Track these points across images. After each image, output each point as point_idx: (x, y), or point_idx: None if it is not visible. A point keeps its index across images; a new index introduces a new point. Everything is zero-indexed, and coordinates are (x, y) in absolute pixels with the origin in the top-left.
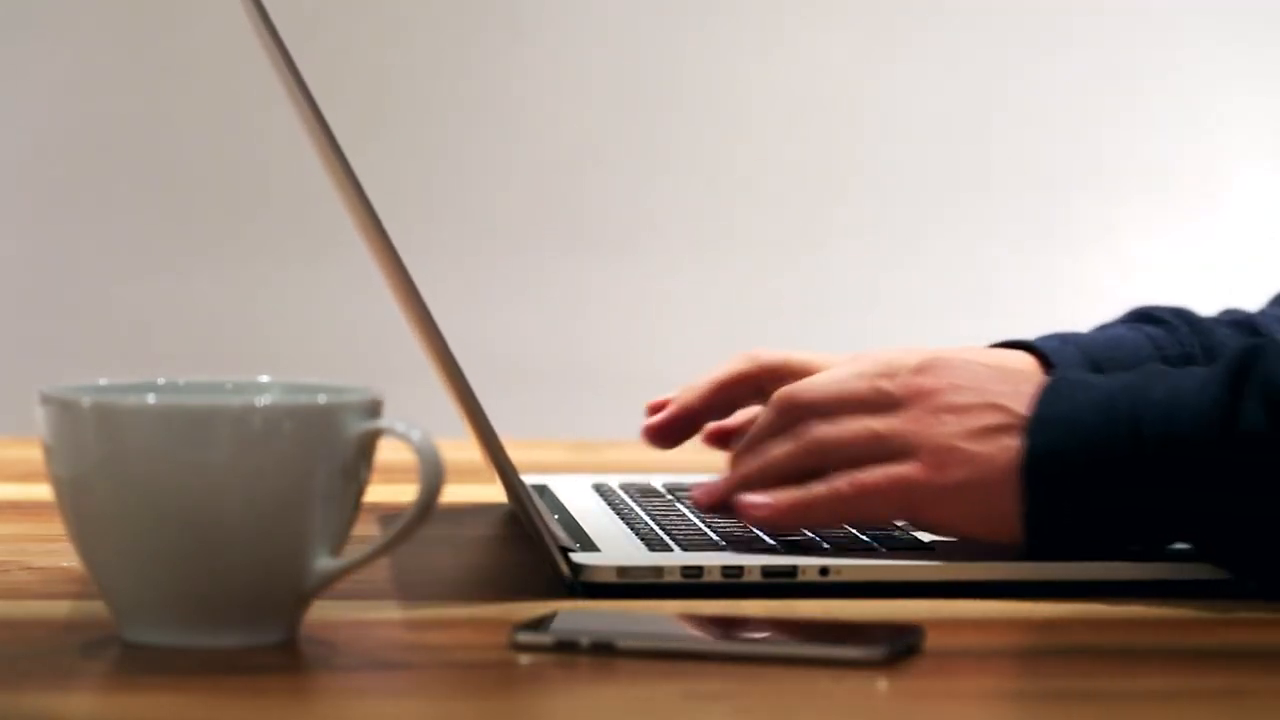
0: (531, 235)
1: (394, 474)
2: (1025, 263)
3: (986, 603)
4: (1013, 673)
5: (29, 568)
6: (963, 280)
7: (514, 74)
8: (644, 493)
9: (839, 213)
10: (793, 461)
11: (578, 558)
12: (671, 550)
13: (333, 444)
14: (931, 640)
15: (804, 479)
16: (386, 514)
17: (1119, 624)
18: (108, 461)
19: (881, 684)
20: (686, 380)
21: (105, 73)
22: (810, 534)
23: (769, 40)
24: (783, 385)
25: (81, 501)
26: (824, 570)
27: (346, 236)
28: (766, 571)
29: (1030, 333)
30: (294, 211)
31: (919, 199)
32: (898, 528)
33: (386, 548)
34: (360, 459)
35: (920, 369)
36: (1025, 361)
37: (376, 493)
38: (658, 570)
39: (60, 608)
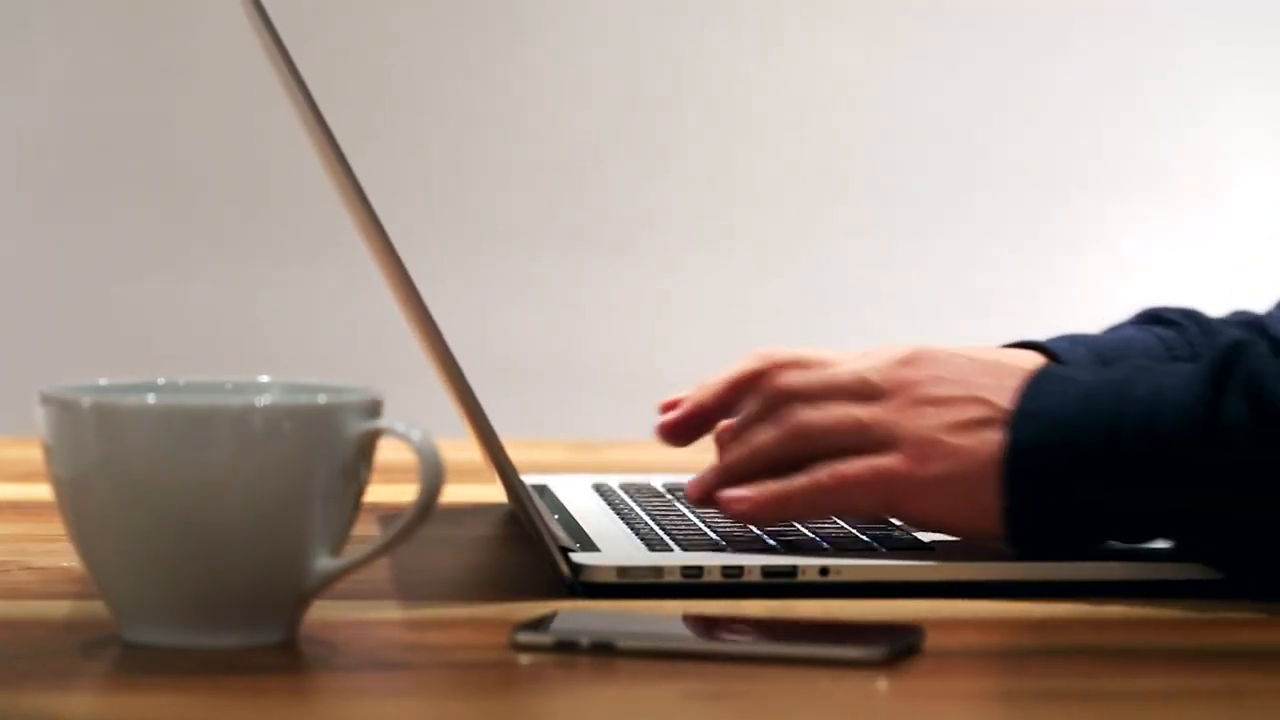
0: (531, 235)
1: (394, 474)
2: (1025, 263)
3: (986, 603)
4: (1012, 673)
5: (29, 568)
6: (963, 280)
7: (514, 74)
8: (644, 493)
9: (839, 213)
10: (777, 446)
11: (578, 558)
12: (671, 550)
13: (333, 444)
14: (931, 640)
15: (789, 466)
16: (386, 514)
17: (1119, 624)
18: (108, 461)
19: (881, 684)
20: (686, 380)
21: (105, 73)
22: (810, 534)
23: (769, 40)
24: None
25: (81, 501)
26: (824, 570)
27: (346, 236)
28: (766, 571)
29: (1029, 333)
30: (294, 211)
31: (919, 199)
32: (896, 527)
33: (386, 548)
34: (360, 459)
35: (904, 360)
36: (1035, 361)
37: (376, 493)
38: (658, 570)
39: (60, 608)
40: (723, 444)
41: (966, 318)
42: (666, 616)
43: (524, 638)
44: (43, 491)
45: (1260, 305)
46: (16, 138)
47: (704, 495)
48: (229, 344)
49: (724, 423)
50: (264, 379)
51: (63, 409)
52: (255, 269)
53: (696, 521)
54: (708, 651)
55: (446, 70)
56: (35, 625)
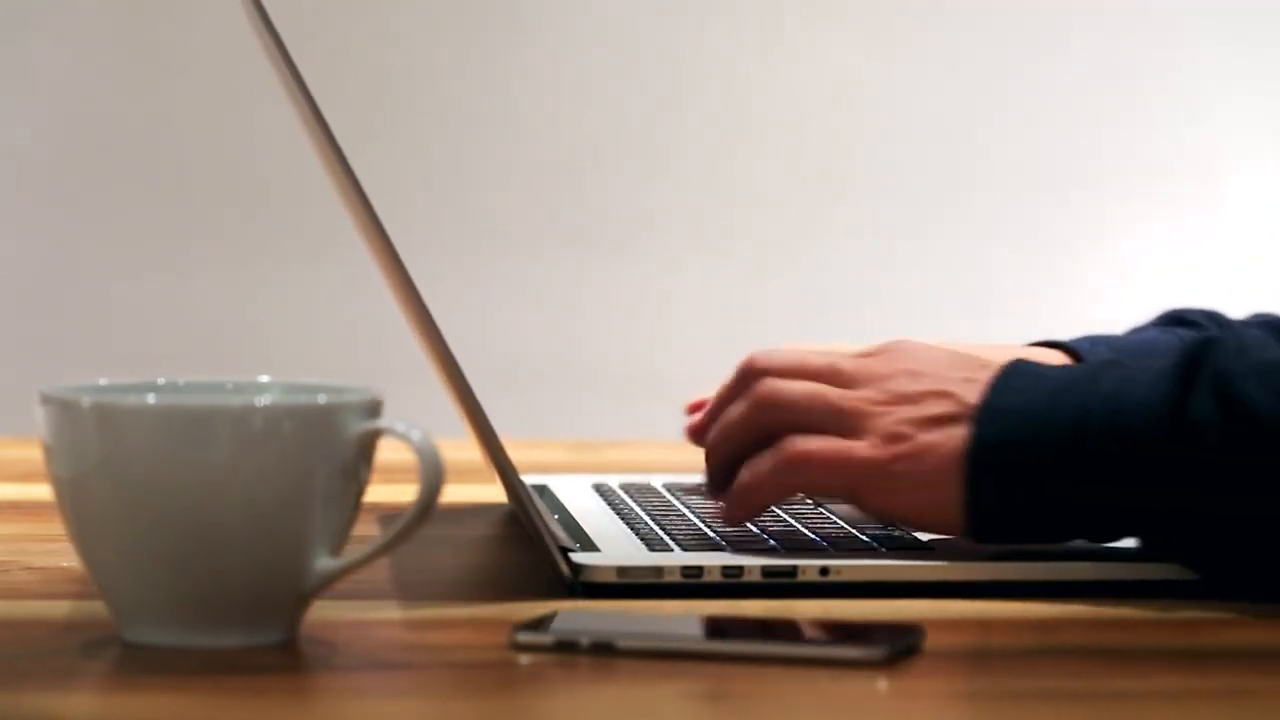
0: (531, 235)
1: (394, 474)
2: (1025, 263)
3: (986, 603)
4: (1012, 673)
5: (29, 568)
6: (963, 280)
7: (514, 74)
8: (644, 493)
9: (839, 213)
10: (743, 419)
11: (578, 558)
12: (671, 550)
13: (333, 444)
14: (931, 640)
15: (761, 444)
16: (386, 514)
17: (1119, 624)
18: (108, 461)
19: (881, 684)
20: (686, 380)
21: (105, 73)
22: (810, 533)
23: (769, 40)
24: None
25: (81, 501)
26: (824, 570)
27: (346, 236)
28: (766, 571)
29: (1029, 333)
30: (294, 211)
31: (919, 199)
32: (896, 526)
33: (386, 548)
34: (360, 459)
35: (876, 353)
36: (1056, 360)
37: (376, 493)
38: (658, 570)
39: (60, 608)
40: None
41: (966, 318)
42: (666, 616)
43: (524, 638)
44: (43, 491)
45: (1260, 305)
46: (16, 138)
47: (711, 497)
48: (229, 344)
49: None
50: (264, 379)
51: (63, 409)
52: (255, 269)
53: (696, 521)
54: (708, 651)
55: (446, 70)
56: (35, 625)
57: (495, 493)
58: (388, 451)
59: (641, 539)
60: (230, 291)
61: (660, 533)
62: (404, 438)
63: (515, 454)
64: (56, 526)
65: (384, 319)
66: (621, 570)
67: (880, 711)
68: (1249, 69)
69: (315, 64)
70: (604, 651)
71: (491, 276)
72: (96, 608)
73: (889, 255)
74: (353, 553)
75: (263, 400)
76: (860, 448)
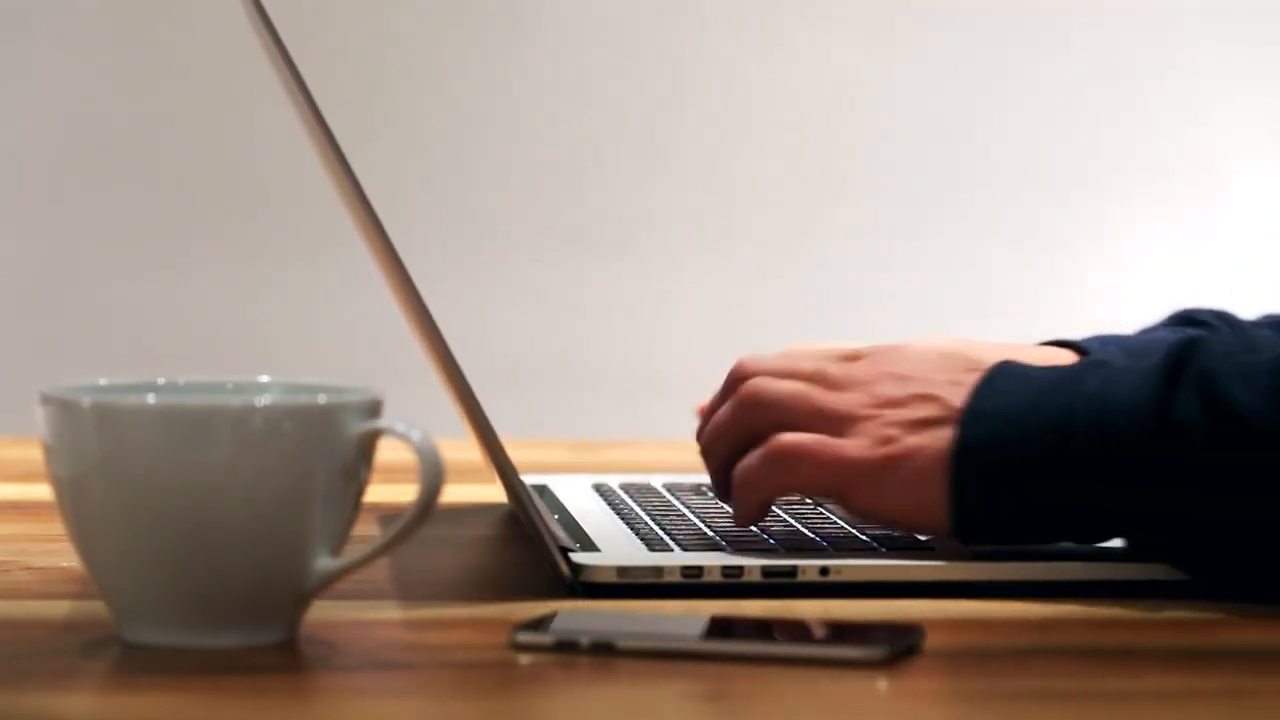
0: (531, 235)
1: (394, 474)
2: (1025, 263)
3: (986, 603)
4: (1012, 672)
5: (29, 568)
6: (962, 280)
7: (514, 74)
8: (644, 493)
9: (839, 213)
10: (731, 419)
11: (578, 558)
12: (671, 550)
13: (333, 444)
14: (931, 640)
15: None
16: (386, 514)
17: (1119, 624)
18: (108, 461)
19: (881, 684)
20: (686, 380)
21: (105, 73)
22: (810, 533)
23: (769, 40)
24: None
25: (81, 501)
26: (824, 570)
27: (346, 236)
28: (766, 571)
29: (1029, 333)
30: (294, 211)
31: (919, 199)
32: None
33: (386, 548)
34: (360, 459)
35: (862, 356)
36: (1067, 359)
37: (376, 493)
38: (658, 570)
39: (60, 608)
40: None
41: (966, 318)
42: (666, 616)
43: (524, 638)
44: (43, 491)
45: (1260, 305)
46: (16, 138)
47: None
48: (229, 344)
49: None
50: (264, 379)
51: (63, 409)
52: (255, 269)
53: (696, 521)
54: (708, 651)
55: (446, 70)
56: (35, 625)
57: (495, 493)
58: (388, 451)
59: (641, 539)
60: (230, 291)
61: (660, 533)
62: (404, 438)
63: (515, 454)
64: (56, 526)
65: (384, 319)
66: (621, 570)
67: (880, 711)
68: (1249, 69)
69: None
70: (604, 651)
71: (491, 276)
72: (96, 608)
73: (889, 255)
74: (353, 553)
75: (263, 400)
76: (849, 446)
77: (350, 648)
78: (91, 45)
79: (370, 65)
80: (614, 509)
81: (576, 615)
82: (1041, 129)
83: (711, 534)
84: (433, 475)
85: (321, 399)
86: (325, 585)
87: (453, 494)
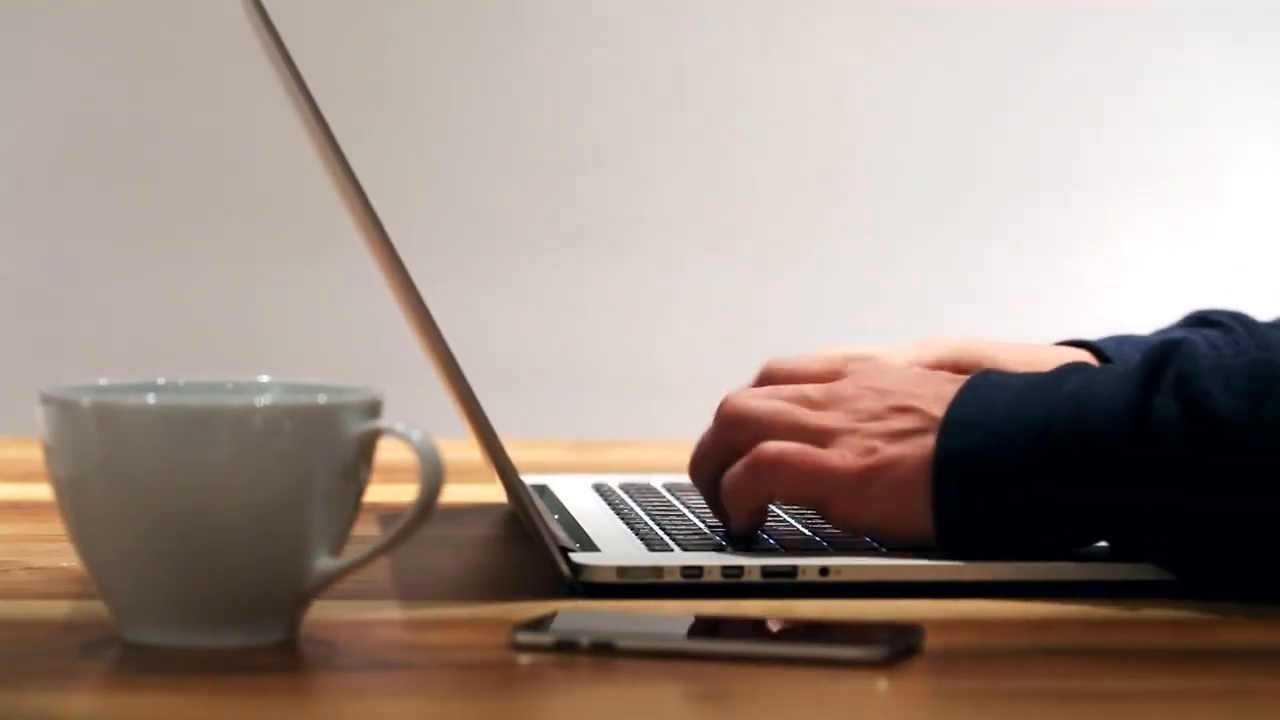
0: (531, 235)
1: (394, 474)
2: (1024, 262)
3: (986, 603)
4: (1013, 673)
5: (29, 568)
6: (962, 280)
7: (514, 74)
8: (644, 493)
9: (839, 213)
10: (715, 438)
11: (578, 558)
12: (671, 550)
13: (333, 444)
14: (931, 640)
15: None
16: (386, 514)
17: (1119, 624)
18: (108, 461)
19: (881, 684)
20: (686, 380)
21: (105, 72)
22: (810, 533)
23: (769, 40)
24: None
25: (81, 501)
26: (824, 570)
27: (346, 236)
28: (766, 571)
29: (1029, 333)
30: (294, 211)
31: (919, 199)
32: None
33: (386, 548)
34: (360, 459)
35: (844, 376)
36: (1082, 359)
37: (376, 493)
38: (658, 570)
39: (60, 608)
40: None
41: (966, 318)
42: (666, 616)
43: (524, 638)
44: (43, 491)
45: (1260, 305)
46: (16, 138)
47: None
48: (229, 344)
49: None
50: (264, 379)
51: (63, 409)
52: (255, 269)
53: (696, 521)
54: (708, 651)
55: (446, 70)
56: (35, 625)
57: (495, 493)
58: (388, 451)
59: (641, 539)
60: (230, 291)
61: (660, 533)
62: (404, 438)
63: (515, 454)
64: (56, 526)
65: (384, 319)
66: (621, 570)
67: (880, 711)
68: (1249, 69)
69: (315, 64)
70: (604, 651)
71: (491, 276)
72: (96, 608)
73: (889, 255)
74: (353, 553)
75: (263, 400)
76: (831, 456)
77: (350, 648)
78: (91, 45)
79: (370, 65)
80: (614, 509)
81: (576, 615)
82: (1041, 129)
83: (711, 534)
84: (433, 475)
85: (321, 399)
86: (325, 585)
87: (453, 494)
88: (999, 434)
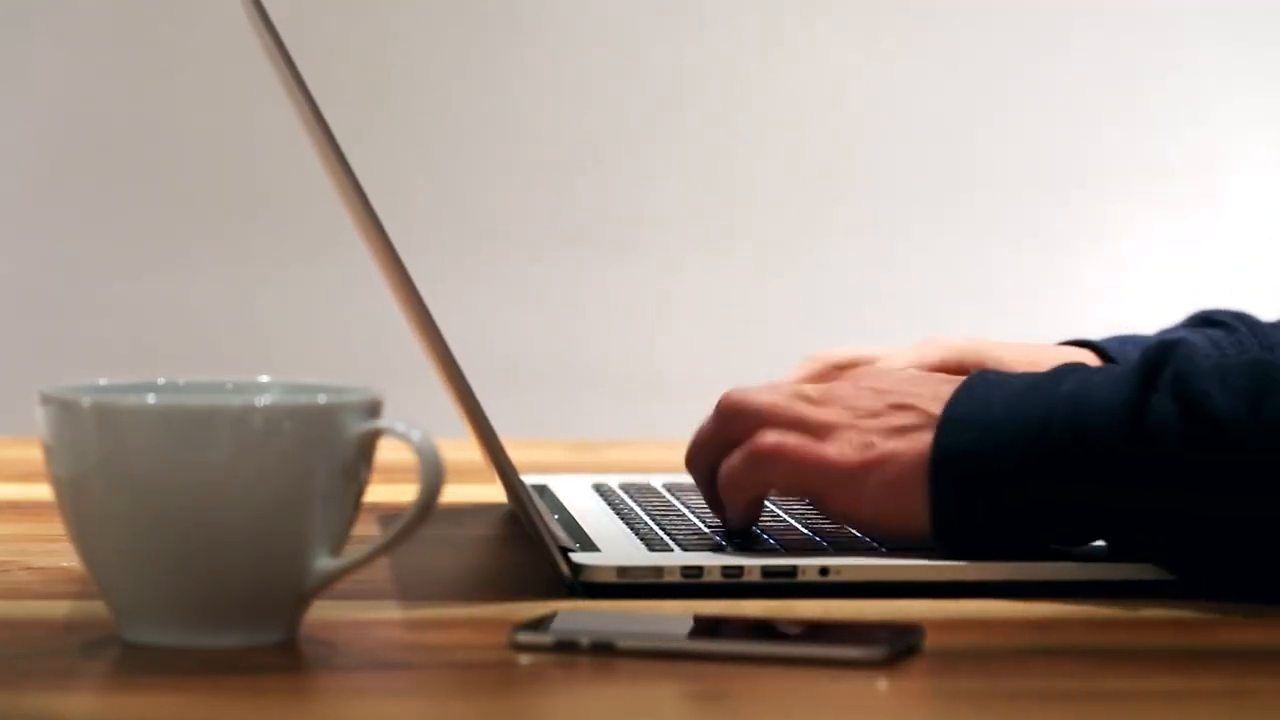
0: (531, 235)
1: (394, 474)
2: (1024, 262)
3: (986, 603)
4: (1013, 673)
5: (29, 568)
6: (962, 280)
7: (514, 74)
8: (644, 493)
9: (839, 213)
10: (713, 429)
11: (578, 558)
12: (671, 550)
13: (333, 444)
14: (931, 640)
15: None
16: (386, 514)
17: (1119, 624)
18: (108, 461)
19: (881, 684)
20: (686, 380)
21: (105, 72)
22: (810, 533)
23: (769, 40)
24: None
25: (81, 501)
26: (824, 570)
27: (346, 236)
28: (766, 571)
29: (1029, 333)
30: (294, 211)
31: (919, 199)
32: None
33: (386, 548)
34: (360, 459)
35: (843, 376)
36: (1085, 359)
37: (376, 493)
38: (658, 570)
39: (60, 608)
40: None
41: (966, 318)
42: (666, 616)
43: (524, 638)
44: (43, 491)
45: (1260, 305)
46: (16, 138)
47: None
48: (229, 344)
49: None
50: (264, 379)
51: (63, 409)
52: (255, 269)
53: (696, 521)
54: (708, 651)
55: (446, 70)
56: (35, 625)
57: (495, 493)
58: (388, 451)
59: (641, 539)
60: (230, 291)
61: (660, 533)
62: (404, 438)
63: (515, 454)
64: (56, 526)
65: (384, 319)
66: (621, 570)
67: (880, 711)
68: (1249, 69)
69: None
70: (604, 651)
71: (491, 276)
72: (96, 608)
73: (889, 255)
74: (353, 553)
75: (263, 400)
76: (829, 449)
77: (350, 648)
78: (91, 45)
79: (370, 65)
80: (614, 509)
81: (576, 615)
82: (1041, 129)
83: (711, 534)
84: (433, 475)
85: (321, 399)
86: (325, 585)
87: (453, 494)
88: (996, 434)
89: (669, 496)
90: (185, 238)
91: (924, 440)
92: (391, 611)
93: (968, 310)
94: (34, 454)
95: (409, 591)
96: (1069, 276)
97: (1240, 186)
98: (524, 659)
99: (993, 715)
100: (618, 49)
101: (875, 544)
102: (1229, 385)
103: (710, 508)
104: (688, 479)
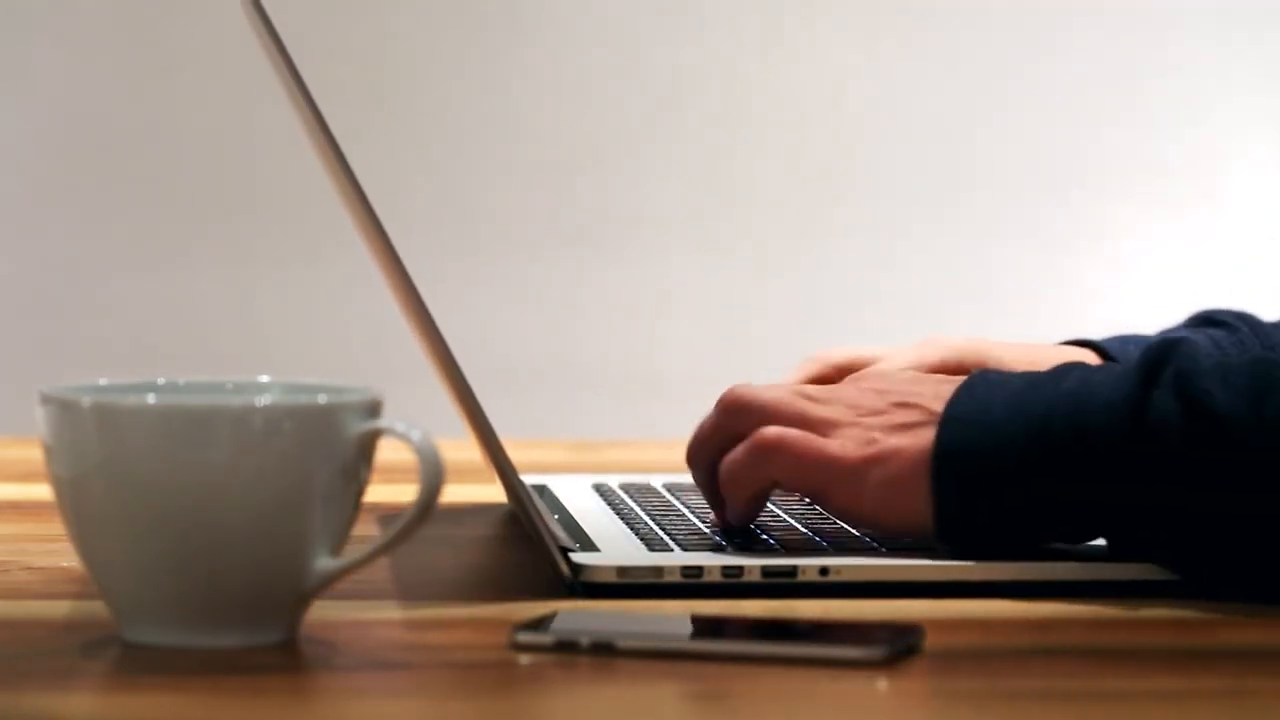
0: (531, 235)
1: (394, 474)
2: (1025, 262)
3: (986, 603)
4: (1013, 673)
5: (29, 568)
6: (962, 280)
7: (514, 74)
8: (644, 493)
9: (839, 213)
10: (716, 424)
11: (578, 558)
12: (671, 550)
13: (333, 444)
14: (931, 640)
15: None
16: (386, 514)
17: (1119, 624)
18: (108, 461)
19: (881, 684)
20: (686, 380)
21: (105, 73)
22: (810, 533)
23: (769, 40)
24: None
25: (81, 501)
26: (824, 570)
27: (346, 236)
28: (766, 571)
29: (1029, 333)
30: (294, 211)
31: (919, 199)
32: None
33: (386, 548)
34: (360, 459)
35: (846, 377)
36: (1086, 358)
37: (376, 493)
38: (658, 570)
39: (60, 608)
40: None
41: (967, 318)
42: (666, 616)
43: (524, 638)
44: (43, 491)
45: (1261, 305)
46: (16, 138)
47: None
48: (229, 344)
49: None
50: (264, 379)
51: (63, 409)
52: (255, 269)
53: (696, 521)
54: (708, 651)
55: (446, 70)
56: (35, 625)
57: (495, 493)
58: (388, 451)
59: (641, 539)
60: (230, 291)
61: (660, 533)
62: (404, 438)
63: (515, 454)
64: (56, 526)
65: (384, 319)
66: (621, 570)
67: (880, 711)
68: (1249, 69)
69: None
70: (604, 651)
71: (491, 276)
72: (96, 608)
73: (889, 255)
74: (353, 553)
75: (263, 400)
76: (832, 445)
77: (350, 648)
78: (91, 45)
79: (370, 65)
80: (614, 509)
81: (576, 615)
82: (1041, 129)
83: (711, 534)
84: (433, 475)
85: (321, 399)
86: (325, 585)
87: (453, 494)
88: (997, 432)
89: (669, 496)
90: (185, 237)
91: (926, 437)
92: (391, 611)
93: (968, 310)
94: (34, 454)
95: (409, 591)
96: (1069, 276)
97: (1240, 186)
98: (524, 659)
99: (993, 715)
100: (618, 49)
101: (875, 543)
102: (1230, 383)
103: (710, 504)
104: (688, 479)
